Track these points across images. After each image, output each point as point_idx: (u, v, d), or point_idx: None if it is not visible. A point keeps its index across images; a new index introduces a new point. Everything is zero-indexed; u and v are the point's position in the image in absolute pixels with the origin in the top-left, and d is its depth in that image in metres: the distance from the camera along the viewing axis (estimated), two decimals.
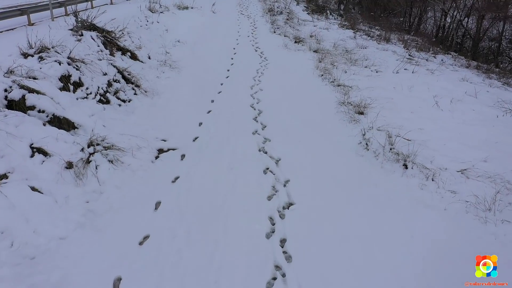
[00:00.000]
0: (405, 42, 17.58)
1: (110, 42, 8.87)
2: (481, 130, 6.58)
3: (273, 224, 3.96)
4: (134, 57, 9.33)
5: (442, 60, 14.08)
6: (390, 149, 5.50)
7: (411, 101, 7.75)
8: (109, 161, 4.83)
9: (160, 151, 5.55)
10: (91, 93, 6.46)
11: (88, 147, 4.88)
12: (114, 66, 7.83)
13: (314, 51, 11.64)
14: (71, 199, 4.13)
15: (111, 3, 14.97)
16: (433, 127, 6.53)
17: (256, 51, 11.45)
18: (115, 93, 7.04)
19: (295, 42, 12.59)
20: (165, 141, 5.84)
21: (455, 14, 21.52)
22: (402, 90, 8.48)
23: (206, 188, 4.55)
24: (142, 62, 9.44)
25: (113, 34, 9.30)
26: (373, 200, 4.41)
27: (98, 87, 6.74)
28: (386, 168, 5.11)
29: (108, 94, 6.83)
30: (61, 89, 5.99)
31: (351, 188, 4.64)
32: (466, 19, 21.54)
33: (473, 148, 5.87)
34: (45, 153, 4.51)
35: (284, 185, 4.68)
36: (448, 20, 22.74)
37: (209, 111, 7.02)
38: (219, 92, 8.04)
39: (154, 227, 3.85)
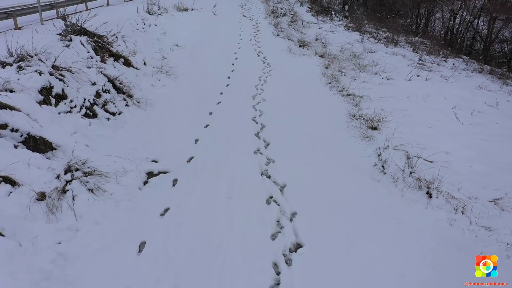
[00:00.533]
0: (414, 45, 16.95)
1: (101, 47, 8.25)
2: (509, 148, 5.92)
3: (278, 274, 3.31)
4: (128, 63, 8.71)
5: (453, 64, 13.44)
6: (410, 173, 4.84)
7: (428, 114, 7.09)
8: (89, 190, 4.19)
9: (150, 174, 4.90)
10: (75, 107, 5.83)
11: (66, 173, 4.25)
12: (104, 75, 7.20)
13: (320, 56, 10.99)
14: (40, 240, 3.49)
15: (108, 5, 14.36)
16: (455, 144, 5.87)
17: (258, 55, 10.80)
18: (104, 105, 6.41)
19: (300, 46, 11.94)
20: (156, 162, 5.21)
21: (464, 15, 20.79)
22: (417, 100, 7.82)
23: (200, 224, 3.91)
24: (136, 68, 8.81)
25: (105, 39, 8.68)
26: (395, 240, 3.76)
27: (85, 99, 6.11)
28: (408, 197, 4.45)
29: (95, 107, 6.21)
30: (41, 102, 5.37)
31: (368, 224, 3.98)
32: (476, 20, 20.80)
33: (503, 170, 5.21)
34: (13, 183, 3.88)
35: (291, 220, 4.03)
36: (457, 21, 22.03)
37: (206, 126, 6.38)
38: (218, 103, 7.39)
39: (135, 278, 3.21)
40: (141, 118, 6.59)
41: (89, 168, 4.48)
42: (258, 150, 5.53)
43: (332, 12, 22.88)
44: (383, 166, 5.04)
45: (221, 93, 7.91)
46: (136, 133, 6.03)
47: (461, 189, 4.56)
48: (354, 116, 6.67)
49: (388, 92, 8.12)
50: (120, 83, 7.38)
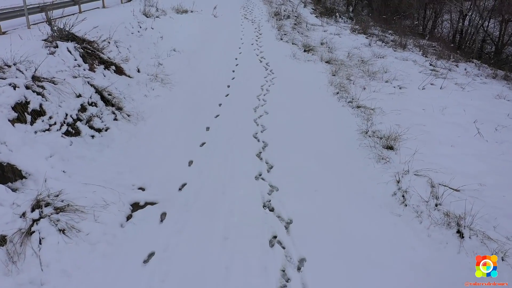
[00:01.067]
0: (422, 48, 16.28)
1: (91, 54, 7.62)
2: None
3: None
4: (119, 71, 8.08)
5: (465, 69, 12.76)
6: (436, 205, 4.18)
7: (447, 129, 6.41)
8: (60, 230, 3.56)
9: (135, 206, 4.26)
10: (55, 124, 5.20)
11: (33, 210, 3.61)
12: (92, 85, 6.57)
13: (326, 62, 10.32)
14: None
15: (104, 7, 13.75)
16: (482, 167, 5.20)
17: (260, 62, 10.15)
18: (89, 120, 5.77)
19: (305, 50, 11.27)
20: (143, 190, 4.56)
21: (475, 16, 20.05)
22: (434, 113, 7.14)
23: (189, 274, 3.26)
24: (129, 76, 8.18)
25: (96, 45, 8.06)
26: None
27: (66, 115, 5.48)
28: (435, 238, 3.79)
29: (78, 123, 5.57)
30: (15, 120, 4.75)
31: (391, 275, 3.32)
32: (486, 22, 20.07)
33: None
34: None
35: (299, 269, 3.38)
36: (466, 23, 21.30)
37: (202, 144, 5.73)
38: (217, 116, 6.74)
39: None
40: (130, 135, 5.95)
41: (62, 201, 3.84)
42: (260, 175, 4.87)
43: (337, 14, 22.19)
44: (403, 197, 4.38)
45: (220, 105, 7.26)
46: (123, 152, 5.39)
47: (497, 227, 3.89)
48: (367, 133, 6.01)
49: (402, 104, 7.45)
50: (109, 94, 6.75)
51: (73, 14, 11.62)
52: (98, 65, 7.60)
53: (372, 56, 11.49)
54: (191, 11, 14.96)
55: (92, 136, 5.58)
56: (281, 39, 12.35)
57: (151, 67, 9.04)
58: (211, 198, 4.35)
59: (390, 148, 5.51)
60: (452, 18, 22.98)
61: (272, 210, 4.19)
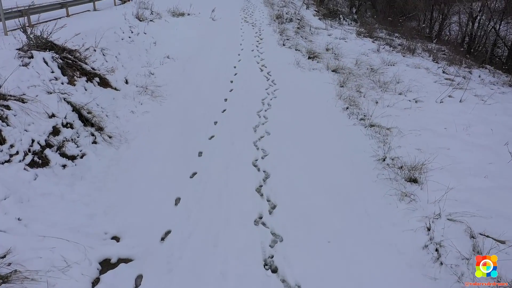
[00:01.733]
0: (432, 52, 15.49)
1: (71, 65, 6.82)
2: None
3: None
4: (104, 83, 7.27)
5: (479, 76, 11.93)
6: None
7: (476, 154, 5.57)
8: None
9: (105, 265, 3.43)
10: (17, 153, 4.39)
11: None
12: (69, 102, 5.76)
13: (333, 71, 9.49)
14: None
15: (95, 9, 12.94)
16: None
17: (261, 70, 9.31)
18: (60, 146, 4.95)
19: (309, 57, 10.44)
20: (117, 240, 3.74)
21: (484, 19, 19.19)
22: (458, 133, 6.30)
23: None
24: (115, 89, 7.37)
25: (78, 54, 7.25)
26: None
27: (33, 141, 4.67)
28: None
29: (48, 151, 4.75)
30: None
31: None
32: (498, 25, 19.18)
33: None
34: None
35: None
36: (476, 25, 20.43)
37: (193, 174, 4.90)
38: (211, 137, 5.92)
39: None
40: (110, 162, 5.13)
41: (9, 265, 3.02)
42: (261, 218, 4.04)
43: (341, 16, 21.36)
44: (437, 251, 3.55)
45: (216, 123, 6.44)
46: (99, 186, 4.56)
47: None
48: (384, 160, 5.17)
49: (420, 121, 6.61)
50: (89, 113, 5.93)
51: (59, 18, 10.84)
52: (79, 77, 6.79)
53: (381, 63, 10.65)
54: (188, 14, 14.16)
55: (64, 166, 4.75)
56: (284, 44, 11.52)
57: (141, 78, 8.22)
58: (200, 252, 3.52)
59: (414, 181, 4.67)
60: (461, 20, 22.11)
61: (275, 271, 3.36)
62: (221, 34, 12.75)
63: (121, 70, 8.13)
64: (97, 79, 7.12)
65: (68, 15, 11.09)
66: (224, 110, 6.97)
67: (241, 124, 6.36)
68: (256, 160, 5.26)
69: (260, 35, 12.71)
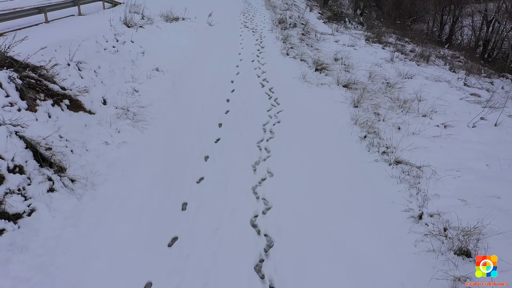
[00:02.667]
0: (447, 60, 14.38)
1: (35, 85, 5.68)
2: None
3: None
4: (76, 105, 6.13)
5: (503, 88, 10.79)
6: None
7: None
8: None
9: None
10: None
11: None
12: (22, 137, 4.61)
13: (344, 86, 8.32)
14: None
15: (80, 14, 11.78)
16: None
17: (263, 86, 8.14)
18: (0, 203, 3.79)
19: (316, 69, 9.28)
20: None
21: (503, 21, 17.94)
22: (504, 172, 5.12)
23: None
24: (89, 113, 6.22)
25: (43, 71, 6.09)
26: None
27: None
28: None
29: None
30: None
31: None
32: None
33: None
34: None
35: None
36: (491, 29, 19.21)
37: (172, 241, 3.74)
38: (200, 180, 4.76)
39: None
40: (66, 220, 3.97)
41: None
42: None
43: (346, 19, 20.18)
44: None
45: (207, 158, 5.28)
46: (44, 263, 3.40)
47: None
48: (421, 218, 4.01)
49: (456, 155, 5.44)
50: (48, 149, 4.78)
51: (36, 25, 9.71)
52: (43, 101, 5.64)
53: (397, 76, 9.49)
54: (183, 19, 12.98)
55: (1, 231, 3.60)
56: (287, 54, 10.35)
57: (122, 96, 7.07)
58: None
59: (467, 254, 3.50)
60: (474, 23, 20.87)
61: None
62: (218, 41, 11.57)
63: (100, 87, 6.98)
64: (66, 101, 5.97)
65: (47, 21, 9.93)
66: (218, 140, 5.80)
67: (237, 161, 5.19)
68: (256, 216, 4.09)
69: (261, 42, 11.53)
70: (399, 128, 6.35)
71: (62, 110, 5.80)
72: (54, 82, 6.15)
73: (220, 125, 6.31)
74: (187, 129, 6.14)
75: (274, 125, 6.33)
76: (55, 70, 6.36)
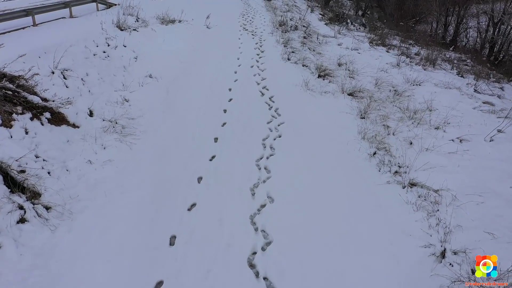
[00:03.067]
0: (453, 63, 13.89)
1: (11, 98, 5.17)
2: None
3: None
4: (58, 118, 5.62)
5: None
6: None
7: None
8: None
9: None
10: None
11: None
12: None
13: (349, 94, 7.80)
14: None
15: (71, 16, 11.26)
16: None
17: (263, 95, 7.61)
18: None
19: (319, 76, 8.75)
20: None
21: (507, 24, 17.43)
22: None
23: None
24: (73, 126, 5.72)
25: (22, 81, 5.58)
26: None
27: None
28: None
29: None
30: None
31: None
32: None
33: None
34: None
35: None
36: (497, 30, 18.66)
37: (157, 286, 3.21)
38: (191, 208, 4.24)
39: None
40: (35, 259, 3.45)
41: None
42: None
43: (348, 20, 19.64)
44: None
45: (200, 179, 4.75)
46: None
47: None
48: (444, 256, 3.48)
49: (476, 176, 4.92)
50: (22, 171, 4.27)
51: (23, 28, 9.18)
52: (20, 114, 5.13)
53: (405, 82, 8.96)
54: (180, 21, 12.45)
55: None
56: (289, 59, 9.82)
57: (111, 107, 6.56)
58: None
59: None
60: (479, 24, 20.32)
61: None
62: (216, 45, 11.04)
63: (86, 97, 6.46)
64: (47, 114, 5.46)
65: (35, 24, 9.41)
66: (213, 158, 5.28)
67: (234, 183, 4.67)
68: (254, 253, 3.57)
69: (261, 46, 11.00)
70: (411, 143, 5.83)
71: (42, 124, 5.29)
72: (35, 93, 5.64)
73: (216, 139, 5.79)
74: (179, 144, 5.62)
75: (274, 139, 5.81)
76: (36, 80, 5.86)
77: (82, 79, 6.88)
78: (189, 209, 4.19)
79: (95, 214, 4.06)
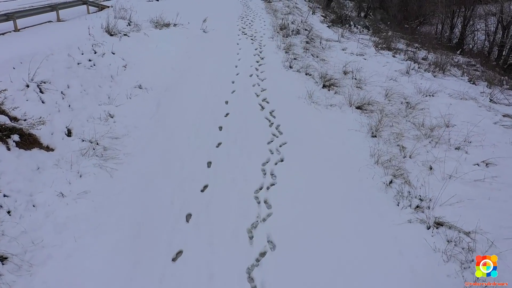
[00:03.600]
0: (463, 69, 13.21)
1: None
2: None
3: None
4: (29, 141, 4.93)
5: None
6: None
7: None
8: None
9: None
10: None
11: None
12: None
13: (357, 108, 7.10)
14: None
15: (58, 20, 10.56)
16: None
17: (262, 109, 6.91)
18: None
19: (324, 86, 8.05)
20: None
21: None
22: None
23: None
24: (47, 149, 5.03)
25: None
26: None
27: None
28: None
29: None
30: None
31: None
32: None
33: None
34: None
35: None
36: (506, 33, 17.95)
37: None
38: (176, 257, 3.54)
39: None
40: None
41: None
42: None
43: (351, 22, 18.93)
44: None
45: (189, 217, 4.05)
46: None
47: None
48: None
49: (510, 211, 4.22)
50: None
51: (2, 34, 8.47)
52: None
53: (417, 93, 8.26)
54: (174, 25, 11.76)
55: None
56: (290, 66, 9.12)
57: (93, 124, 5.87)
58: None
59: None
60: (488, 27, 19.59)
61: None
62: (212, 51, 10.34)
63: (65, 114, 5.77)
64: (15, 136, 4.77)
65: (16, 29, 8.71)
66: (205, 188, 4.58)
67: (228, 222, 3.97)
68: None
69: (260, 52, 10.29)
70: (431, 168, 5.12)
71: (9, 149, 4.60)
72: (3, 112, 4.95)
73: (209, 164, 5.09)
74: (167, 171, 4.92)
75: (276, 164, 5.11)
76: (6, 95, 5.16)
77: (62, 92, 6.19)
78: (173, 259, 3.49)
79: (59, 267, 3.36)
